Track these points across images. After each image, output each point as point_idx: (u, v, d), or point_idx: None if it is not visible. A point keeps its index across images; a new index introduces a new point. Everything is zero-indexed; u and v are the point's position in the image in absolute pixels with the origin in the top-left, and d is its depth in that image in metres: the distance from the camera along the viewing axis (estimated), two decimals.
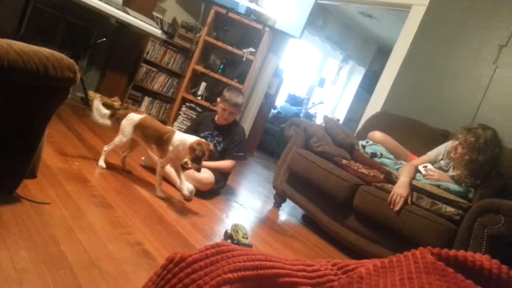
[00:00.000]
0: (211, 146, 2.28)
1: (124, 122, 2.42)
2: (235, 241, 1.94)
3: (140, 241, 1.68)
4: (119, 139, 2.42)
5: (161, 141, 2.32)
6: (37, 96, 1.31)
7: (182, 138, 2.30)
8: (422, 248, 0.49)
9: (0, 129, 1.27)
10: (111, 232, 1.66)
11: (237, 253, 0.52)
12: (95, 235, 1.59)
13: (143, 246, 1.64)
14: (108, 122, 2.45)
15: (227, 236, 2.02)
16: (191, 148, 2.21)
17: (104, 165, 2.41)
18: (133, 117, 2.42)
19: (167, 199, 2.32)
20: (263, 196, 3.42)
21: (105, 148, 2.45)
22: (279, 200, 3.12)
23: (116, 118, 2.47)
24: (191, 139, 2.28)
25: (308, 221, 2.95)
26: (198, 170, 2.23)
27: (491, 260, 0.51)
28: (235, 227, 2.03)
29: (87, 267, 1.35)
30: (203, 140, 2.29)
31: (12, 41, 1.19)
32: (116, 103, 4.31)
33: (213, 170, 2.69)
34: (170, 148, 2.28)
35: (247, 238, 1.98)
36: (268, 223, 2.70)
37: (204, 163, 2.51)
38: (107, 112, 2.46)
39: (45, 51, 1.26)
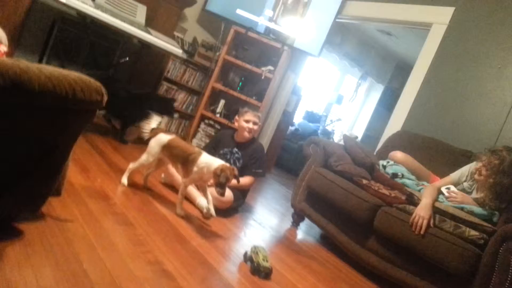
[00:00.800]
0: (236, 171, 2.26)
1: (152, 142, 2.45)
2: (255, 264, 1.93)
3: (160, 260, 1.69)
4: (146, 158, 2.45)
5: (186, 162, 2.33)
6: (65, 118, 1.35)
7: (207, 161, 2.29)
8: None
9: (29, 149, 1.31)
10: (132, 251, 1.67)
11: None
12: (116, 253, 1.60)
13: (163, 266, 1.65)
14: (145, 136, 2.52)
15: (247, 258, 2.01)
16: (215, 173, 2.20)
17: (126, 183, 2.44)
18: (162, 138, 2.44)
19: (186, 217, 2.33)
20: (280, 214, 3.40)
21: (130, 166, 2.49)
22: (297, 219, 3.09)
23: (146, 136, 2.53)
24: (216, 163, 2.26)
25: (327, 241, 2.91)
26: (222, 195, 2.22)
27: None
28: (255, 249, 2.01)
29: (109, 286, 1.37)
30: (228, 165, 2.27)
31: (42, 65, 1.23)
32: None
33: (232, 188, 2.69)
34: (195, 169, 2.29)
35: (267, 261, 1.96)
36: (286, 242, 2.68)
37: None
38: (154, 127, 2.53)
39: (74, 75, 1.30)
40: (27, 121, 1.23)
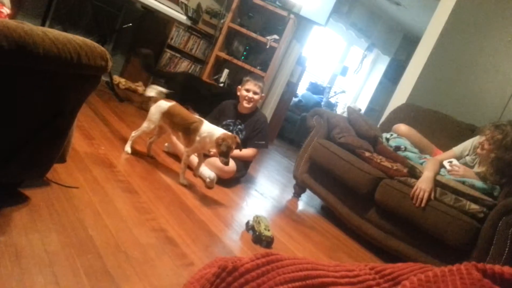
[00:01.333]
0: (238, 139, 2.28)
1: (153, 109, 2.44)
2: (257, 233, 1.96)
3: (164, 228, 1.72)
4: (147, 125, 2.45)
5: (188, 130, 2.33)
6: (69, 83, 1.34)
7: (209, 130, 2.30)
8: (466, 263, 0.48)
9: (33, 115, 1.31)
10: (137, 218, 1.70)
11: (286, 263, 0.53)
12: (121, 220, 1.63)
13: (167, 233, 1.68)
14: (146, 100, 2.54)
15: (249, 227, 2.04)
16: (217, 143, 2.22)
17: (129, 151, 2.45)
18: (162, 104, 2.43)
19: (190, 187, 2.35)
20: (282, 185, 3.43)
21: (133, 134, 2.49)
22: (299, 190, 3.12)
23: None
24: (218, 132, 2.27)
25: (327, 212, 2.95)
26: (226, 163, 2.23)
27: None
28: (257, 219, 2.04)
29: (114, 252, 1.39)
30: (230, 133, 2.28)
31: (47, 29, 1.21)
32: (140, 88, 4.36)
33: (234, 158, 2.70)
34: (197, 138, 2.30)
35: (269, 230, 1.99)
36: (287, 213, 2.72)
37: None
38: (151, 95, 2.52)
39: (78, 39, 1.28)
40: (31, 85, 1.22)
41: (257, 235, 1.97)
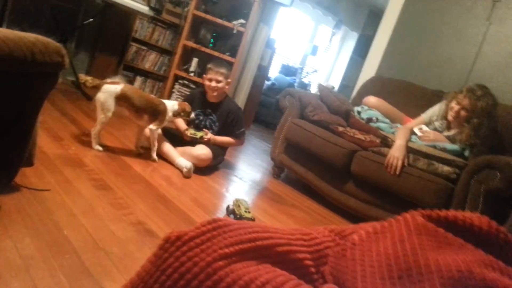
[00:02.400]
0: (189, 107, 2.64)
1: (101, 97, 2.28)
2: (238, 216, 1.98)
3: (143, 221, 1.70)
4: (103, 115, 2.31)
5: (156, 112, 2.47)
6: (25, 83, 1.29)
7: (172, 104, 2.58)
8: (413, 210, 0.50)
9: None
10: (113, 214, 1.68)
11: (234, 227, 0.53)
12: (97, 218, 1.61)
13: (146, 225, 1.67)
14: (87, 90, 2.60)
15: (230, 211, 2.06)
16: (175, 115, 2.57)
17: (100, 148, 2.39)
18: (111, 88, 2.30)
19: (167, 178, 2.33)
20: (262, 168, 3.44)
21: (93, 131, 2.37)
22: (278, 171, 3.14)
23: (89, 92, 2.56)
24: (175, 105, 2.58)
25: (307, 189, 2.98)
26: (218, 162, 2.61)
27: (481, 217, 0.52)
28: (237, 202, 2.06)
29: (92, 249, 1.38)
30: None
31: None
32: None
33: (211, 145, 2.69)
34: (167, 118, 2.53)
35: (249, 212, 2.02)
36: (268, 194, 2.74)
37: (214, 137, 2.72)
38: (86, 78, 2.41)
39: (31, 36, 1.24)
40: None
41: (238, 218, 1.98)
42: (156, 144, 2.56)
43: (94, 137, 2.37)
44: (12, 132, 1.35)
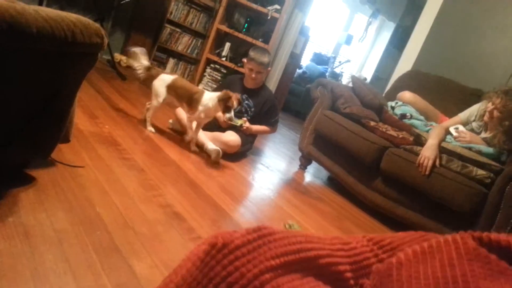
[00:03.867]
0: (238, 96, 2.44)
1: (156, 84, 2.52)
2: None
3: (171, 203, 1.73)
4: (156, 101, 2.53)
5: (191, 100, 2.45)
6: (65, 62, 1.32)
7: (210, 96, 2.44)
8: (462, 232, 0.47)
9: (31, 96, 1.30)
10: (143, 195, 1.72)
11: (278, 236, 0.52)
12: (128, 197, 1.64)
13: (174, 208, 1.70)
14: (141, 72, 2.59)
15: None
16: (220, 99, 2.36)
17: (152, 130, 2.56)
18: (165, 78, 2.52)
19: (195, 163, 2.36)
20: (288, 158, 3.43)
21: (147, 114, 2.58)
22: (305, 162, 3.12)
23: (146, 78, 2.61)
24: (218, 93, 2.44)
25: (334, 183, 2.95)
26: (231, 119, 2.37)
27: None
28: (291, 227, 1.90)
29: (122, 228, 1.41)
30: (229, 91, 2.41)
31: (38, 7, 1.18)
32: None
33: (240, 132, 2.69)
34: (200, 107, 2.43)
35: None
36: (294, 185, 2.73)
37: (251, 126, 2.69)
38: (147, 64, 2.60)
39: (72, 16, 1.26)
40: (26, 66, 1.21)
41: None
42: (190, 132, 2.57)
43: (147, 119, 2.58)
44: (51, 109, 1.38)
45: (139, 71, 2.58)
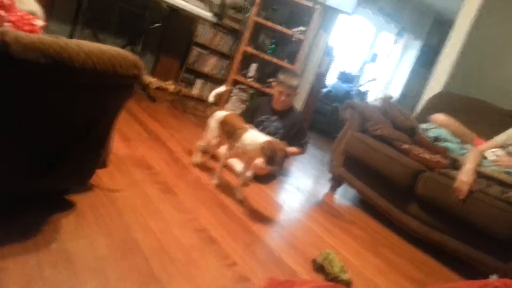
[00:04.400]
0: (284, 146, 2.07)
1: (211, 120, 2.48)
2: (331, 276, 1.68)
3: (205, 227, 1.73)
4: (209, 135, 2.48)
5: (233, 136, 2.30)
6: (105, 93, 1.36)
7: (253, 137, 2.18)
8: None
9: (72, 125, 1.34)
10: (177, 219, 1.72)
11: None
12: (163, 221, 1.65)
13: (209, 233, 1.69)
14: (212, 101, 2.61)
15: (317, 266, 1.74)
16: (262, 148, 2.06)
17: (198, 160, 2.52)
18: (219, 114, 2.47)
19: (226, 185, 2.36)
20: (316, 178, 3.40)
21: (198, 144, 2.55)
22: (335, 184, 3.07)
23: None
24: (262, 139, 2.12)
25: (366, 205, 2.89)
26: (275, 171, 2.25)
27: None
28: (327, 256, 1.73)
29: (159, 254, 1.42)
30: (275, 140, 2.11)
31: (81, 41, 1.22)
32: (171, 86, 4.41)
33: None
34: (237, 144, 2.22)
35: (345, 271, 1.70)
36: (325, 207, 2.69)
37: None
38: (211, 100, 2.61)
39: (112, 49, 1.29)
40: (69, 96, 1.25)
41: (330, 279, 1.67)
42: (220, 168, 2.38)
43: (197, 149, 2.55)
44: (91, 137, 1.42)
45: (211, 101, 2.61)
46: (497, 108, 2.93)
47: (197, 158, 2.52)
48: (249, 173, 2.50)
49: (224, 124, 2.41)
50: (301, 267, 1.72)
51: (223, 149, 2.63)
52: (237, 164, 2.59)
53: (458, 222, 2.22)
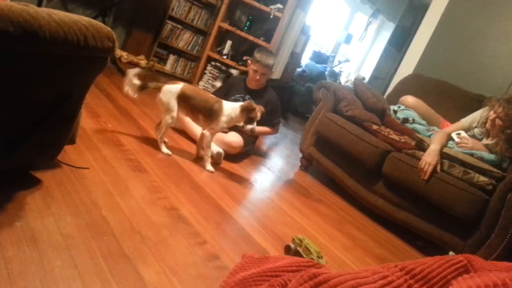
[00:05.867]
0: (262, 108, 2.29)
1: (163, 98, 2.23)
2: None
3: (176, 206, 1.73)
4: (170, 116, 2.25)
5: (210, 112, 2.24)
6: (76, 66, 1.31)
7: (232, 106, 2.28)
8: None
9: (41, 99, 1.29)
10: (148, 197, 1.71)
11: (333, 282, 0.53)
12: (133, 200, 1.64)
13: (179, 211, 1.70)
14: (136, 95, 2.24)
15: (292, 253, 1.71)
16: (243, 110, 2.23)
17: (169, 152, 2.29)
18: (172, 89, 2.24)
19: (197, 163, 2.35)
20: (288, 158, 3.44)
21: (158, 135, 2.29)
22: (306, 163, 3.12)
23: (147, 90, 2.27)
24: (239, 103, 2.30)
25: (334, 185, 2.96)
26: (253, 130, 2.24)
27: None
28: (302, 243, 1.70)
29: (129, 233, 1.41)
30: (252, 102, 2.29)
31: (51, 10, 1.17)
32: (142, 61, 4.30)
33: (243, 133, 2.69)
34: (223, 118, 2.24)
35: (321, 257, 1.68)
36: (295, 186, 2.73)
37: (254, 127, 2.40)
38: (138, 83, 2.23)
39: (84, 20, 1.24)
40: (38, 69, 1.20)
41: None
42: (208, 151, 2.30)
43: (159, 141, 2.30)
44: (60, 112, 1.37)
45: (133, 95, 2.24)
46: (464, 91, 3.03)
47: (166, 149, 2.29)
48: (221, 151, 2.50)
49: (185, 97, 2.24)
50: (272, 245, 1.75)
51: (194, 128, 2.61)
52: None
53: (422, 202, 2.31)
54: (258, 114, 2.23)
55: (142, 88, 2.24)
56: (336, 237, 2.12)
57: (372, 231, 2.43)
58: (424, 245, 2.47)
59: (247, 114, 2.23)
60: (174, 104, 2.25)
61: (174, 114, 2.26)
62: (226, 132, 2.65)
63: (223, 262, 1.47)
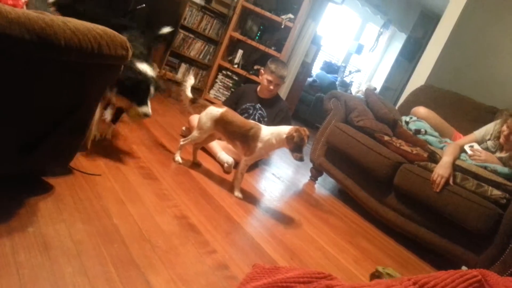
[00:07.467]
0: (308, 132, 2.10)
1: (203, 117, 2.24)
2: None
3: (186, 215, 1.73)
4: (198, 134, 2.26)
5: (246, 138, 2.16)
6: (90, 73, 1.33)
7: (272, 131, 2.14)
8: None
9: (55, 105, 1.31)
10: (159, 205, 1.72)
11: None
12: (144, 207, 1.64)
13: (189, 220, 1.69)
14: (190, 109, 2.36)
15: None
16: (289, 138, 2.05)
17: (180, 160, 2.30)
18: (214, 112, 2.23)
19: (208, 172, 2.35)
20: (298, 168, 3.42)
21: (182, 142, 2.32)
22: (316, 173, 3.11)
23: (194, 107, 2.35)
24: (285, 129, 2.11)
25: (345, 196, 2.94)
26: (302, 159, 2.06)
27: None
28: (387, 274, 1.64)
29: (139, 240, 1.41)
30: (299, 127, 2.11)
31: (67, 18, 1.19)
32: (155, 70, 4.33)
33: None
34: (259, 145, 2.13)
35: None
36: (305, 196, 2.72)
37: None
38: (190, 96, 2.31)
39: (99, 28, 1.26)
40: (53, 75, 1.22)
41: None
42: (241, 178, 2.22)
43: (180, 148, 2.33)
44: (73, 118, 1.39)
45: (185, 105, 2.37)
46: (477, 103, 3.00)
47: (179, 158, 2.31)
48: (231, 160, 2.50)
49: (223, 122, 2.22)
50: (281, 256, 1.74)
51: (216, 146, 2.58)
52: (220, 151, 2.59)
53: (434, 214, 2.28)
54: (306, 140, 2.06)
55: (192, 102, 2.34)
56: (346, 249, 2.10)
57: (383, 243, 2.40)
58: (436, 259, 2.43)
59: (293, 141, 2.05)
60: (209, 126, 2.24)
61: (204, 135, 2.27)
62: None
63: (232, 271, 1.46)
